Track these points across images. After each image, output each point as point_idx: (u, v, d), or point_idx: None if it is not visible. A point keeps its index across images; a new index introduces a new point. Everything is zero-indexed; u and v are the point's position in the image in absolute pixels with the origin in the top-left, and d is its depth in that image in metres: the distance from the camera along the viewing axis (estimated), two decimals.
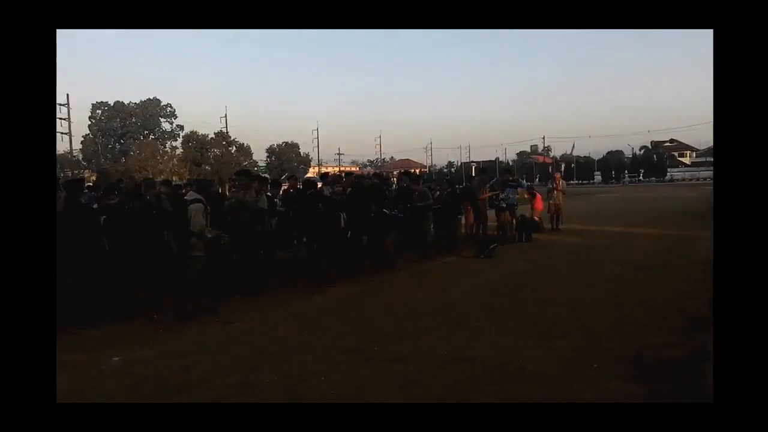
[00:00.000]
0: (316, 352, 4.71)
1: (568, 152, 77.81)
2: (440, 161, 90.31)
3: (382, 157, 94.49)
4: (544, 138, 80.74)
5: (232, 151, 54.44)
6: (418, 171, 48.99)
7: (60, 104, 43.71)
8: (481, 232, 11.22)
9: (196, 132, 53.60)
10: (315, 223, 7.78)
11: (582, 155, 74.45)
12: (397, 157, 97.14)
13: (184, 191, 7.58)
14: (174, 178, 40.60)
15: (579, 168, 66.84)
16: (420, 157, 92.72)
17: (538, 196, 13.68)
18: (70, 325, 5.33)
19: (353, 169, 67.16)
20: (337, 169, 68.63)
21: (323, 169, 71.46)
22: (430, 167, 77.43)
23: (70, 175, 32.02)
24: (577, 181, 61.40)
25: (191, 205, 6.12)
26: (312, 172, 65.87)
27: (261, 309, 6.34)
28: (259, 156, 63.88)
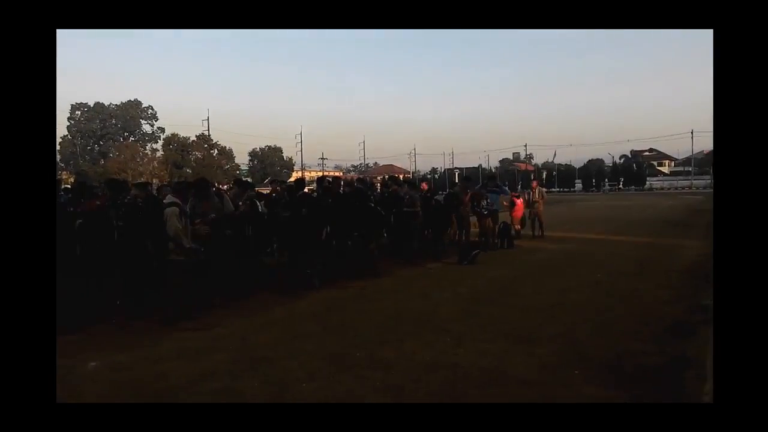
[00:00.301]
0: (299, 358, 4.67)
1: (550, 160, 78.96)
2: (424, 167, 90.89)
3: (366, 163, 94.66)
4: (526, 146, 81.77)
5: (214, 155, 53.99)
6: (401, 177, 49.20)
7: None
8: (464, 238, 11.28)
9: (177, 134, 53.06)
10: (300, 227, 7.70)
11: (563, 163, 75.51)
12: (381, 163, 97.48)
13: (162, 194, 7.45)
14: (154, 181, 40.08)
15: (560, 176, 67.68)
16: (404, 163, 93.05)
17: (519, 203, 13.82)
18: None
19: (337, 174, 67.02)
20: (320, 173, 68.44)
21: (306, 174, 71.26)
22: (413, 173, 77.68)
23: None
24: (558, 189, 62.13)
25: (166, 209, 6.03)
26: (294, 177, 65.63)
27: (242, 315, 6.27)
28: (242, 159, 63.52)
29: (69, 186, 12.57)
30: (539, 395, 3.73)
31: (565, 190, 63.26)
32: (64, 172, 51.24)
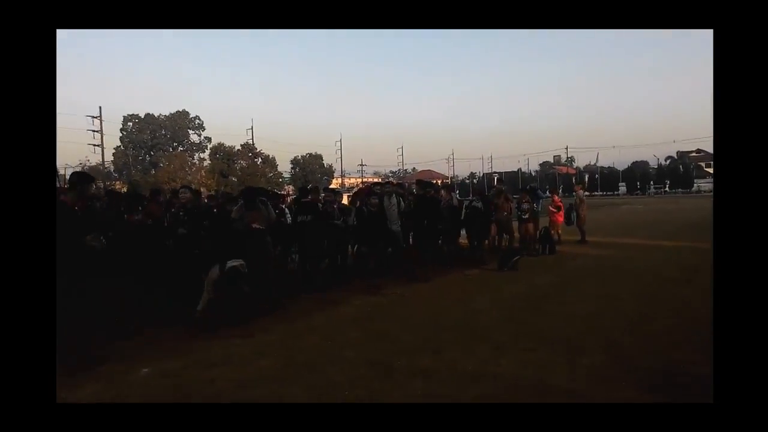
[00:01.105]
0: (340, 364, 4.74)
1: (592, 162, 76.90)
2: (462, 172, 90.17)
3: (404, 168, 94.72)
4: (567, 148, 79.91)
5: (258, 163, 55.29)
6: (440, 182, 48.99)
7: (92, 116, 45.38)
8: (504, 244, 11.14)
9: (223, 144, 54.69)
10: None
11: (606, 166, 73.41)
12: (419, 168, 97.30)
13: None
14: (202, 190, 41.34)
15: (603, 179, 65.79)
16: (442, 168, 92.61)
17: (563, 209, 13.57)
18: (101, 335, 5.51)
19: (376, 179, 67.37)
20: (359, 180, 68.98)
21: (346, 180, 71.95)
22: (452, 178, 77.18)
23: (102, 186, 32.83)
24: (601, 192, 60.45)
25: (212, 270, 6.29)
26: (335, 183, 66.41)
27: (284, 321, 6.42)
28: (284, 167, 64.79)
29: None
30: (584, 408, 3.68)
31: (609, 193, 61.43)
32: (117, 182, 53.51)
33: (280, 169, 60.80)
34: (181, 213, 7.01)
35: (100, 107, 46.18)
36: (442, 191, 11.23)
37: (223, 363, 4.91)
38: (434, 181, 17.64)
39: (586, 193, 15.31)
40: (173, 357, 5.11)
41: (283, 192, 21.09)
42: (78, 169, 49.84)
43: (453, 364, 4.68)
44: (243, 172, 52.69)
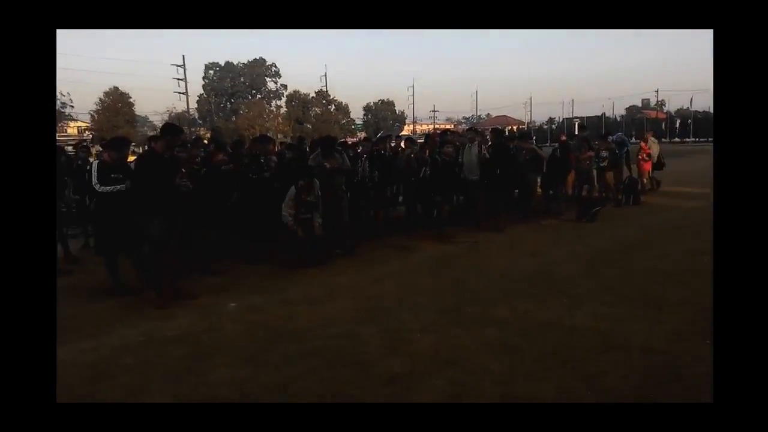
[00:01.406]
0: (413, 309, 4.87)
1: (686, 107, 70.64)
2: (541, 117, 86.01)
3: (478, 114, 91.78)
4: (657, 91, 73.57)
5: (332, 110, 55.93)
6: (515, 128, 47.15)
7: (176, 65, 47.30)
8: (584, 193, 10.68)
9: (298, 91, 55.58)
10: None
11: (701, 110, 67.14)
12: (494, 114, 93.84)
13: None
14: (279, 136, 42.77)
15: (696, 124, 60.41)
16: (519, 113, 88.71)
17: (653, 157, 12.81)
18: (194, 271, 5.99)
19: (449, 126, 65.95)
20: (431, 126, 67.96)
21: (418, 128, 71.19)
22: (528, 124, 74.00)
23: (187, 132, 34.48)
24: (693, 139, 55.77)
25: (291, 189, 6.60)
26: (407, 130, 65.92)
27: (360, 265, 6.65)
28: (356, 114, 65.01)
29: (206, 141, 13.71)
30: (663, 364, 3.58)
31: (702, 140, 56.56)
32: (201, 129, 56.24)
33: (352, 115, 61.17)
34: (262, 159, 7.33)
35: (183, 56, 48.07)
36: (517, 140, 10.73)
37: (303, 302, 5.20)
38: (509, 128, 17.05)
39: (676, 138, 14.37)
40: (257, 294, 5.48)
41: (354, 140, 21.36)
42: (165, 116, 52.92)
43: (526, 314, 4.67)
44: (317, 119, 53.70)
